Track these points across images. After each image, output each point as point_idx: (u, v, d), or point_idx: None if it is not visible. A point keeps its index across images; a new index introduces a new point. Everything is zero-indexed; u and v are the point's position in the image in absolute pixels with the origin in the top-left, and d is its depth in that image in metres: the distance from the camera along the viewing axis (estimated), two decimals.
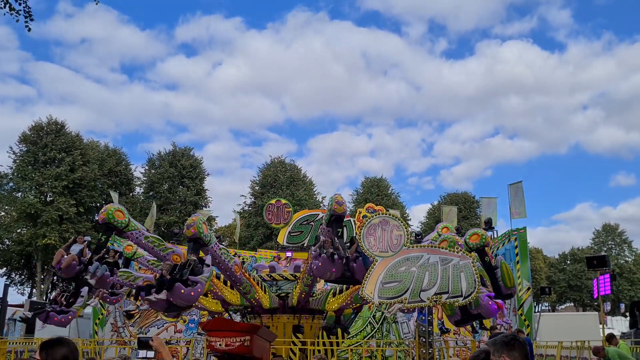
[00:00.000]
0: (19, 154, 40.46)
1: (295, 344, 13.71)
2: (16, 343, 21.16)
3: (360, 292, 8.76)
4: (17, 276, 45.61)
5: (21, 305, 31.44)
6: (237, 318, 18.34)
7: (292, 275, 14.35)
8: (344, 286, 14.14)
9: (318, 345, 14.00)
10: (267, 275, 14.55)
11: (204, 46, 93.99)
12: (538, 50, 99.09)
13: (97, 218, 10.65)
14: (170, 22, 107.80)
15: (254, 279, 13.53)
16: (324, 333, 14.56)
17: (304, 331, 14.25)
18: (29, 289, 45.54)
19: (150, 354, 3.68)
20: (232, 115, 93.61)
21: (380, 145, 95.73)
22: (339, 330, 15.61)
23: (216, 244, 11.27)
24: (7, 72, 76.60)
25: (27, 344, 19.24)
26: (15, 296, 46.35)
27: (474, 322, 15.15)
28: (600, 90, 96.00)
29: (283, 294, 13.93)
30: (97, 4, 9.50)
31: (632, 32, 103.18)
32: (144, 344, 4.27)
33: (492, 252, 16.82)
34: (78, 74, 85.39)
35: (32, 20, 9.34)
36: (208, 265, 10.02)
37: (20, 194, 40.10)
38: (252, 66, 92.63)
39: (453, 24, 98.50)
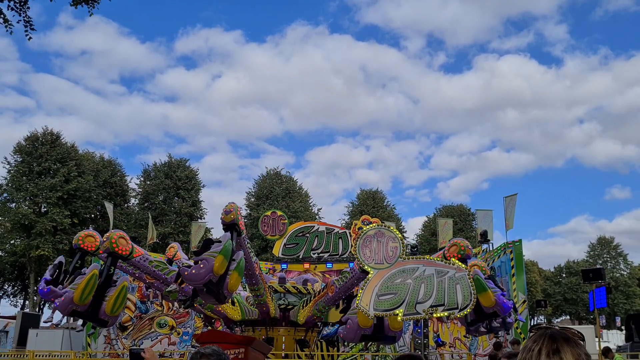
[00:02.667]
0: (13, 165, 40.29)
1: (300, 358, 13.60)
2: (7, 355, 20.91)
3: (356, 304, 8.70)
4: (10, 287, 45.25)
5: (13, 317, 31.13)
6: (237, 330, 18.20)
7: (295, 289, 14.32)
8: (310, 297, 14.12)
9: (298, 358, 13.90)
10: (279, 285, 14.50)
11: (203, 59, 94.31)
12: (535, 65, 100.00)
13: (101, 247, 10.65)
14: (171, 34, 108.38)
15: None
16: (322, 344, 14.47)
17: (283, 343, 14.17)
18: (22, 300, 45.17)
19: None
20: (231, 127, 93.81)
21: (378, 158, 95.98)
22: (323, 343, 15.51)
23: (245, 237, 11.34)
24: (6, 83, 76.64)
25: (18, 356, 19.02)
26: (8, 308, 46.01)
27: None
28: (597, 105, 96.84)
29: (286, 306, 13.88)
30: (90, 15, 9.49)
31: (627, 47, 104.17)
32: (135, 356, 4.20)
33: (488, 265, 16.80)
34: (77, 86, 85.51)
35: (33, 29, 9.32)
36: (220, 241, 10.00)
37: (14, 204, 39.87)
38: (252, 79, 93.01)
39: (451, 38, 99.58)
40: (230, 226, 10.14)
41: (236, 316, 14.17)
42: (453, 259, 8.74)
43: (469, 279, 8.22)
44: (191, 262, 9.92)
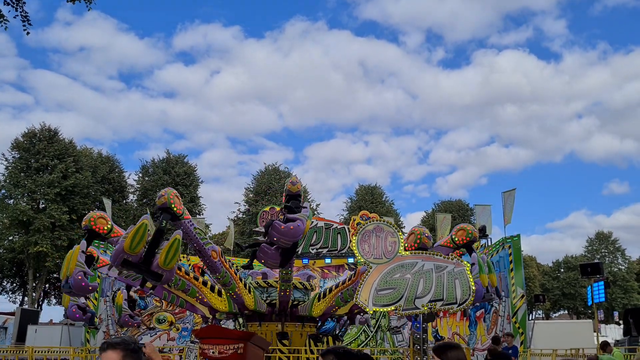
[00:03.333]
0: (11, 161, 40.19)
1: (312, 352, 13.60)
2: (6, 351, 20.92)
3: (354, 299, 8.71)
4: (9, 284, 45.22)
5: (12, 314, 31.13)
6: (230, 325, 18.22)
7: (300, 283, 14.35)
8: (328, 289, 14.17)
9: (312, 354, 13.90)
10: (262, 281, 14.49)
11: (202, 54, 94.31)
12: (534, 60, 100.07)
13: (156, 201, 10.79)
14: (169, 30, 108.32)
15: (245, 284, 13.48)
16: (312, 341, 14.43)
17: (290, 338, 14.17)
18: (21, 297, 45.15)
19: None
20: (230, 123, 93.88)
21: (377, 153, 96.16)
22: (330, 338, 15.50)
23: (190, 221, 11.42)
24: (5, 80, 76.59)
25: (17, 352, 19.03)
26: (7, 304, 46.02)
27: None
28: (595, 100, 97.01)
29: (274, 301, 13.86)
30: (89, 9, 9.46)
31: (626, 42, 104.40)
32: None
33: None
34: (76, 82, 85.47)
35: (30, 24, 9.28)
36: (305, 207, 10.31)
37: (12, 201, 39.79)
38: (250, 74, 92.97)
39: (450, 33, 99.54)
40: (164, 210, 10.34)
41: (222, 307, 14.13)
42: (447, 257, 8.75)
43: (468, 274, 8.23)
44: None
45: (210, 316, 15.03)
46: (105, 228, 10.86)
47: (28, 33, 9.28)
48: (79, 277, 10.39)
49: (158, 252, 9.60)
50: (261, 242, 10.30)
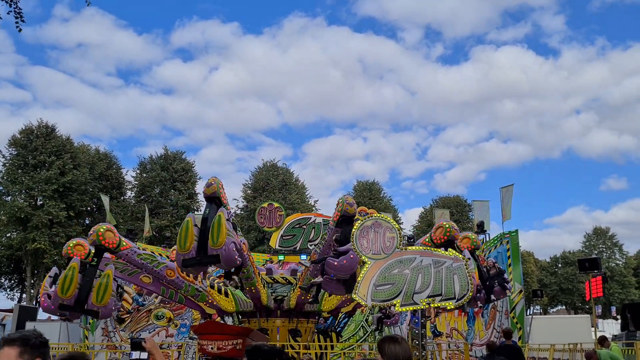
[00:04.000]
0: (8, 158, 40.12)
1: (293, 348, 13.63)
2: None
3: (352, 294, 8.71)
4: (7, 281, 45.21)
5: (10, 310, 31.11)
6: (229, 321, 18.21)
7: (283, 278, 14.30)
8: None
9: (320, 349, 13.95)
10: (268, 277, 14.48)
11: (200, 51, 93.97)
12: (532, 56, 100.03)
13: (204, 190, 10.55)
14: (167, 26, 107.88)
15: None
16: (320, 336, 14.50)
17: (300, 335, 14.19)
18: (19, 293, 45.13)
19: (144, 355, 3.68)
20: (228, 120, 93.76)
21: (376, 150, 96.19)
22: (333, 335, 15.56)
23: (231, 212, 11.20)
24: (3, 76, 76.30)
25: None
26: (5, 301, 46.06)
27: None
28: (594, 96, 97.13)
29: (279, 297, 13.87)
30: (88, 4, 9.42)
31: (625, 38, 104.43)
32: (136, 345, 4.25)
33: (485, 255, 16.85)
34: (74, 78, 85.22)
35: (23, 21, 9.22)
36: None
37: (9, 197, 39.75)
38: (249, 71, 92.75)
39: (449, 30, 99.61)
40: (212, 199, 10.19)
41: (229, 307, 14.21)
42: (446, 252, 8.73)
43: (466, 268, 8.22)
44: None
45: (215, 315, 15.05)
46: (115, 242, 10.65)
47: (20, 30, 9.21)
48: (42, 300, 10.51)
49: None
50: (319, 282, 10.15)
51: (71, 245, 10.58)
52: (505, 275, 10.83)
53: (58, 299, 9.79)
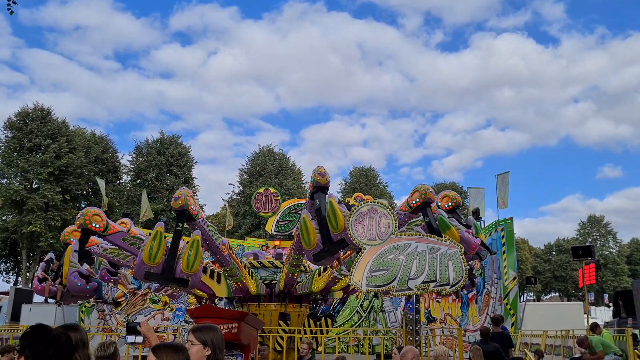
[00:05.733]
0: (4, 140, 39.95)
1: (285, 332, 13.71)
2: (1, 330, 20.99)
3: (348, 280, 8.76)
4: (2, 264, 45.24)
5: (6, 293, 31.17)
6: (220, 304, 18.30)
7: (270, 263, 14.40)
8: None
9: (305, 334, 14.01)
10: (255, 262, 14.55)
11: (199, 35, 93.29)
12: (532, 44, 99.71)
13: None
14: (165, 10, 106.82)
15: (241, 263, 13.54)
16: (311, 320, 14.56)
17: (291, 319, 14.25)
18: (14, 276, 45.21)
19: (139, 339, 3.70)
20: (226, 105, 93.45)
21: (373, 136, 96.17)
22: (329, 321, 15.62)
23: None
24: None
25: (12, 330, 19.09)
26: (0, 284, 46.06)
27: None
28: (592, 84, 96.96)
29: (270, 281, 13.95)
30: None
31: (625, 27, 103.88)
32: (132, 329, 4.27)
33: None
34: (71, 61, 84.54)
35: (14, 3, 9.04)
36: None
37: (5, 180, 39.63)
38: (248, 56, 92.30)
39: (449, 16, 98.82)
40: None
41: (221, 293, 14.32)
42: (441, 238, 8.76)
43: (461, 255, 8.27)
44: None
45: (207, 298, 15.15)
46: (102, 226, 10.61)
47: (12, 12, 9.02)
48: (74, 278, 10.30)
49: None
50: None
51: (89, 214, 10.43)
52: (482, 252, 10.75)
53: (143, 267, 9.14)
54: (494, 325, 13.07)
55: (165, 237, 9.45)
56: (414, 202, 9.92)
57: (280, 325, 13.63)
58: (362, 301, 23.91)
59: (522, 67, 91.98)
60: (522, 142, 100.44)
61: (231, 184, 50.40)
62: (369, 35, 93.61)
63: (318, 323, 14.59)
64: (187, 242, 9.54)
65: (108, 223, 10.64)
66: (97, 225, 10.36)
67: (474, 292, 20.68)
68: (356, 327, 23.65)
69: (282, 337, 13.08)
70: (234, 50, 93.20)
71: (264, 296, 14.26)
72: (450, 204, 10.67)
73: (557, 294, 68.90)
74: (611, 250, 66.55)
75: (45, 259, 11.80)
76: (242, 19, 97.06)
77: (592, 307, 46.10)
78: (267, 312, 14.12)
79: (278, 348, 13.26)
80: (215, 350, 3.32)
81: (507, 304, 18.37)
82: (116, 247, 11.38)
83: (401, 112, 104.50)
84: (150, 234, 10.72)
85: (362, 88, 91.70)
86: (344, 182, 53.63)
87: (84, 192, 44.04)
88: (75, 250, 10.62)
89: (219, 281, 13.88)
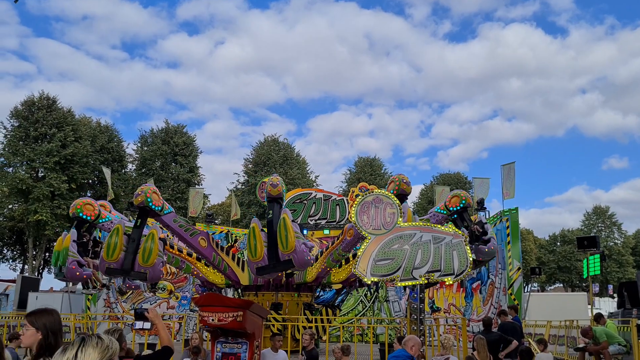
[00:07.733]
0: (10, 129, 40.05)
1: (277, 321, 13.80)
2: (9, 317, 21.18)
3: (353, 269, 8.79)
4: (9, 252, 45.53)
5: (13, 281, 31.44)
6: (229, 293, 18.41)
7: None
8: (319, 253, 14.39)
9: (310, 322, 14.10)
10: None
11: (205, 25, 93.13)
12: (541, 34, 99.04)
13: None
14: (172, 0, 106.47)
15: (238, 261, 13.76)
16: (307, 310, 14.64)
17: (286, 308, 14.37)
18: (21, 264, 45.51)
19: (147, 325, 3.77)
20: (233, 94, 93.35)
21: (380, 126, 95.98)
22: (329, 310, 15.71)
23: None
24: (7, 48, 75.69)
25: (19, 318, 19.27)
26: (7, 272, 46.45)
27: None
28: (600, 75, 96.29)
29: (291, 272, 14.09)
30: None
31: (634, 17, 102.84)
32: (140, 315, 4.33)
33: None
34: (78, 51, 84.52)
35: None
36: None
37: (11, 169, 39.79)
38: (255, 45, 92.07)
39: (457, 6, 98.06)
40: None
41: (218, 280, 14.52)
42: (445, 228, 8.79)
43: (465, 245, 8.29)
44: None
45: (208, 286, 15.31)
46: (93, 214, 11.03)
47: (16, 1, 9.04)
48: (73, 267, 10.56)
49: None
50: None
51: (81, 204, 10.88)
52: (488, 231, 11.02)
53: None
54: (503, 315, 13.06)
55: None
56: (453, 207, 10.64)
57: (277, 314, 13.75)
58: (366, 291, 23.90)
59: (530, 57, 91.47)
60: (529, 132, 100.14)
61: (236, 174, 50.47)
62: (376, 26, 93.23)
63: (316, 312, 14.69)
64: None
65: (100, 211, 11.13)
66: (90, 214, 10.98)
67: (479, 282, 20.71)
68: (360, 317, 23.75)
69: (273, 326, 13.19)
70: (241, 40, 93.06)
71: (263, 286, 14.36)
72: (460, 206, 10.96)
73: (562, 284, 68.85)
74: (616, 241, 66.35)
75: (74, 239, 11.54)
76: (249, 8, 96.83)
77: (597, 298, 46.12)
78: (265, 302, 14.24)
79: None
80: (47, 334, 3.36)
81: (511, 294, 18.40)
82: (186, 221, 12.02)
83: (408, 103, 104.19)
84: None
85: (369, 78, 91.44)
86: (348, 172, 53.60)
87: (90, 181, 44.17)
88: (74, 241, 10.84)
89: (243, 269, 14.00)
